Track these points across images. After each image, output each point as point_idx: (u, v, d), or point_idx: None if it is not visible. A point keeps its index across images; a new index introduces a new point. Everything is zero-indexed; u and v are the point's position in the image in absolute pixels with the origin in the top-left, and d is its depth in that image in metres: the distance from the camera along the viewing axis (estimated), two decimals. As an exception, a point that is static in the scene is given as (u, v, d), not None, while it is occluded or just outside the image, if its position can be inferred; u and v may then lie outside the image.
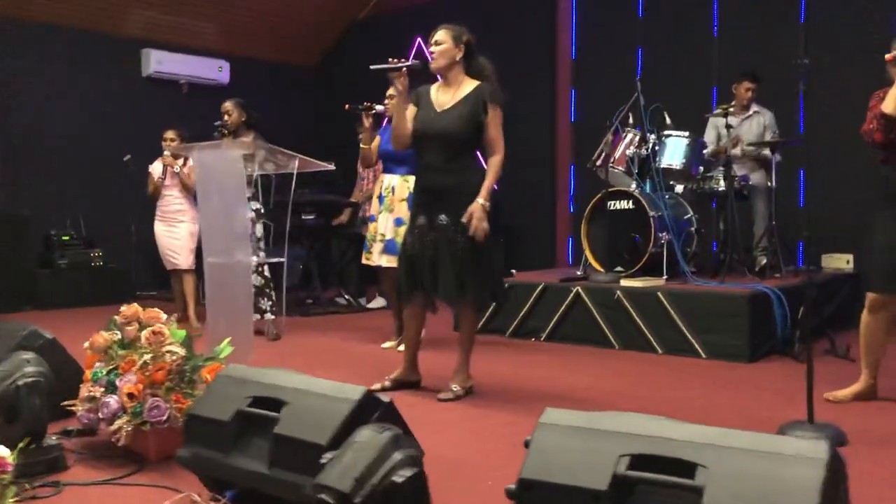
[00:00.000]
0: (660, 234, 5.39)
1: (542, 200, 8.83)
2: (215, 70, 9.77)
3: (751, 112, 6.14)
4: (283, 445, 2.10)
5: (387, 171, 5.14)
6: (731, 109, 6.09)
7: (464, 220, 3.65)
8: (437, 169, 3.75)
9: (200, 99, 9.36)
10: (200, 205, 3.31)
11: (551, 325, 5.42)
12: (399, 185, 5.00)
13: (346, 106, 5.19)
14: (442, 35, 3.83)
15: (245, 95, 9.75)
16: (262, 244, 5.67)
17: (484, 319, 5.75)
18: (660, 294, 4.97)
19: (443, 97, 3.84)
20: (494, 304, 3.92)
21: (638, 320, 5.03)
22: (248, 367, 2.46)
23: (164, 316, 3.01)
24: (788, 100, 7.07)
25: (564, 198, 8.75)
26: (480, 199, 3.65)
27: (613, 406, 3.62)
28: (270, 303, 5.70)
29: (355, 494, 1.61)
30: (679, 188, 6.09)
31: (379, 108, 5.19)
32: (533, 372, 4.47)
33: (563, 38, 8.70)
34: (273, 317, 5.72)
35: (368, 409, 2.10)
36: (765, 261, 5.70)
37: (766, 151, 5.94)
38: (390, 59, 3.77)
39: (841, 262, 6.12)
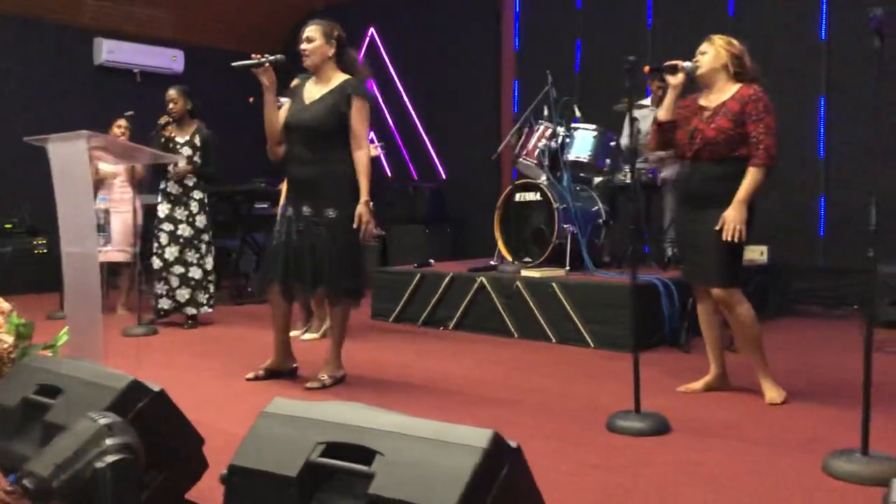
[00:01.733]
0: (564, 226, 5.47)
1: (487, 191, 8.89)
2: (169, 59, 9.84)
3: (666, 105, 6.19)
4: (52, 433, 2.18)
5: None
6: (646, 102, 6.17)
7: (355, 225, 3.72)
8: (302, 160, 3.83)
9: (154, 88, 9.38)
10: (58, 195, 3.39)
11: (458, 314, 5.51)
12: None
13: (251, 98, 5.24)
14: (313, 32, 3.88)
15: (200, 85, 9.83)
16: (204, 236, 5.73)
17: (398, 309, 5.86)
18: (555, 284, 5.05)
19: (313, 90, 3.92)
20: (353, 297, 3.95)
21: (535, 310, 5.12)
22: (47, 356, 2.55)
23: (7, 306, 3.10)
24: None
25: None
26: (363, 199, 3.74)
27: (469, 393, 3.73)
28: (207, 296, 5.75)
29: (53, 479, 1.70)
30: (597, 180, 6.17)
31: (284, 100, 5.26)
32: (420, 361, 4.56)
33: (507, 29, 8.75)
34: (210, 310, 5.80)
35: (133, 398, 2.19)
36: (671, 252, 5.77)
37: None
38: (253, 56, 3.84)
39: (755, 252, 6.18)
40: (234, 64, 3.86)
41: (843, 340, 5.13)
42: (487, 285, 5.37)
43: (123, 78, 9.44)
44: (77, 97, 8.89)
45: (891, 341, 4.95)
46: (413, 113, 9.62)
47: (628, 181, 5.76)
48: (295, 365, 4.15)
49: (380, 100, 9.92)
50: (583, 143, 5.67)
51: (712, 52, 3.56)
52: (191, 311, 5.65)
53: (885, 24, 2.55)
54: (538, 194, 5.62)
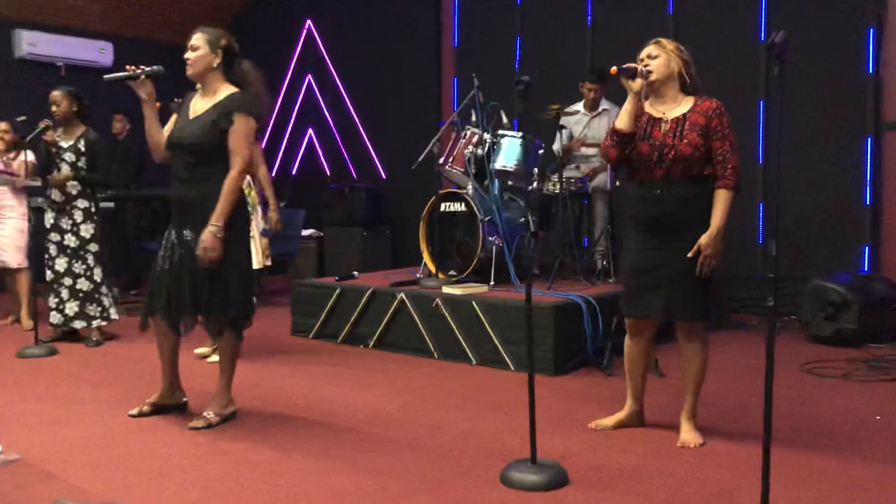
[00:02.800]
0: (489, 239, 5.21)
1: (428, 192, 8.60)
2: (96, 52, 9.40)
3: (600, 110, 5.95)
4: None
5: None
6: (577, 107, 5.96)
7: (198, 251, 3.40)
8: (182, 180, 3.53)
9: (80, 83, 8.88)
10: None
11: (378, 331, 5.23)
12: None
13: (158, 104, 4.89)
14: (197, 40, 3.58)
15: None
16: (91, 246, 5.38)
17: (318, 325, 5.57)
18: (474, 303, 4.79)
19: (199, 105, 3.61)
20: (242, 325, 3.67)
21: (455, 329, 4.86)
22: None
23: None
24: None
25: (449, 189, 8.54)
26: (211, 225, 3.39)
27: (364, 432, 3.46)
28: (100, 308, 5.41)
29: None
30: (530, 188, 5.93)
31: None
32: (325, 390, 4.26)
33: (446, 23, 8.45)
34: (104, 322, 5.46)
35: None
36: (601, 264, 5.55)
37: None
38: (127, 67, 3.52)
39: (690, 263, 5.97)
40: (105, 77, 3.54)
41: (777, 359, 4.92)
42: (407, 302, 5.09)
43: (46, 72, 8.97)
44: (-5, 92, 8.40)
45: (827, 361, 4.77)
46: (352, 109, 9.29)
47: (557, 191, 5.52)
48: (184, 399, 3.84)
49: (317, 95, 9.60)
50: (509, 150, 5.40)
51: (664, 58, 3.23)
52: (80, 324, 5.33)
53: (785, 49, 2.30)
54: (463, 205, 5.36)
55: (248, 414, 3.77)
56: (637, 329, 3.44)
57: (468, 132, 5.58)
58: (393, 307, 5.15)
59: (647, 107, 3.33)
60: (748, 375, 4.52)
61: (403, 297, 5.12)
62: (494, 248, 5.22)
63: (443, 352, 4.93)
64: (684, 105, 3.27)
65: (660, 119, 3.28)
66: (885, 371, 4.49)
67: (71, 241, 5.31)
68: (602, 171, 5.83)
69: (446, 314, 4.89)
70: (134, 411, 3.72)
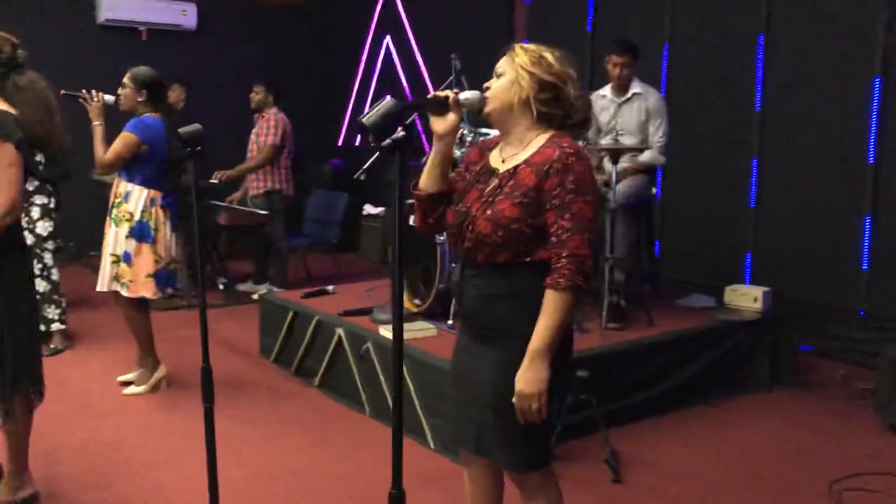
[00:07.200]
0: (451, 266, 4.17)
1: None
2: (179, 14, 9.07)
3: (629, 94, 4.60)
4: None
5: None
6: (605, 92, 4.69)
7: None
8: None
9: (163, 46, 8.71)
10: None
11: (321, 369, 4.41)
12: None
13: (62, 91, 4.28)
14: None
15: (217, 41, 9.02)
16: (49, 244, 5.01)
17: (276, 348, 4.83)
18: (400, 357, 3.80)
19: None
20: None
21: (384, 385, 3.92)
22: None
23: None
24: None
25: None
26: None
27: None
28: (59, 311, 5.07)
29: None
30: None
31: (108, 98, 4.35)
32: (184, 466, 3.50)
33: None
34: (63, 326, 5.11)
35: None
36: (609, 301, 4.27)
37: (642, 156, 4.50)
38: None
39: (747, 299, 4.55)
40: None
41: (820, 457, 3.56)
42: (345, 340, 4.21)
43: (127, 36, 8.75)
44: (79, 58, 8.18)
45: (879, 475, 3.33)
46: (426, 76, 8.35)
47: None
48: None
49: (395, 60, 8.74)
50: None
51: (509, 77, 2.09)
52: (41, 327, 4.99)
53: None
54: (424, 219, 4.33)
55: (53, 496, 3.13)
56: (468, 460, 2.34)
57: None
58: (333, 343, 4.29)
59: (496, 151, 2.19)
60: (762, 492, 3.23)
61: (341, 333, 4.23)
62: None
63: (375, 408, 4.01)
64: (529, 148, 2.09)
65: (494, 171, 2.14)
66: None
67: (28, 239, 4.95)
68: (631, 175, 4.53)
69: (375, 361, 3.96)
70: None
